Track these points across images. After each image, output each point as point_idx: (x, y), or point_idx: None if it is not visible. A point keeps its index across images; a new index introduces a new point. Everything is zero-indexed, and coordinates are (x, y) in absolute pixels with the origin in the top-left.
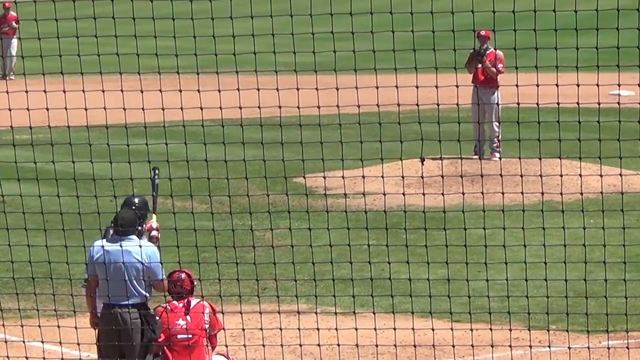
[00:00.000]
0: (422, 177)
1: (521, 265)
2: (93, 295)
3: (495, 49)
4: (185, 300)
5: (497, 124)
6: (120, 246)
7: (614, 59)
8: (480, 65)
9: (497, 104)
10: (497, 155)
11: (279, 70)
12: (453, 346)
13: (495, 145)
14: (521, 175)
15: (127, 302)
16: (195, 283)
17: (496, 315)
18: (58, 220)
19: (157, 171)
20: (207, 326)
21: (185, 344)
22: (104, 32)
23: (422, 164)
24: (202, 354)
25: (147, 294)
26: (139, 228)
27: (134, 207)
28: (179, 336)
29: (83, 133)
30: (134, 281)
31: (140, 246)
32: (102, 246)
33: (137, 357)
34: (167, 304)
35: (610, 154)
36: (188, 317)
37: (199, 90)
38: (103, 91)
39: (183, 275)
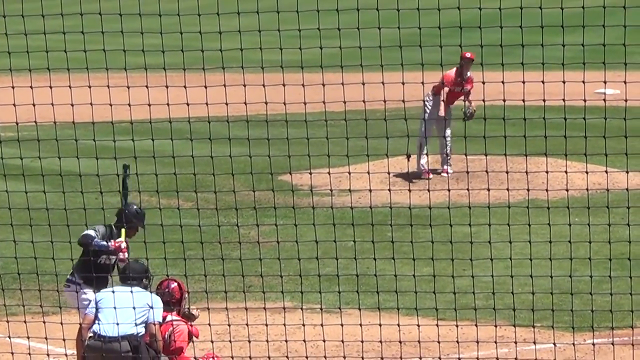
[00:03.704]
0: (407, 174)
1: (506, 262)
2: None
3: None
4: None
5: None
6: (131, 292)
7: (600, 57)
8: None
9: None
10: (450, 169)
11: (265, 67)
12: (438, 343)
13: (449, 158)
14: (507, 172)
15: (118, 335)
16: (184, 294)
17: (481, 313)
18: (44, 217)
19: (127, 170)
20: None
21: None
22: (90, 28)
23: (408, 160)
24: None
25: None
26: (145, 281)
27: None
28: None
29: (69, 130)
30: (133, 322)
31: (150, 293)
32: (111, 291)
33: None
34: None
35: (596, 151)
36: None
37: (185, 87)
38: (90, 87)
39: (173, 285)
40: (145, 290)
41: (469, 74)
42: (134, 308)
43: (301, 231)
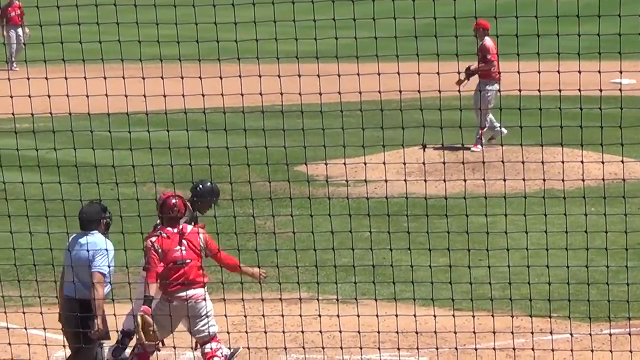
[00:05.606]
0: (423, 164)
1: (523, 252)
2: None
3: (497, 35)
4: (181, 227)
5: (487, 115)
6: (76, 240)
7: (616, 47)
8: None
9: (490, 96)
10: (479, 146)
11: (281, 58)
12: (455, 333)
13: (477, 136)
14: (523, 162)
15: (74, 297)
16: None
17: (498, 303)
18: (59, 208)
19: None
20: (202, 250)
21: (181, 270)
22: (105, 19)
23: (424, 150)
24: (198, 278)
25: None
26: (104, 221)
27: (198, 192)
28: (177, 262)
29: (84, 121)
30: (81, 276)
31: (87, 239)
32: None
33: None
34: (160, 231)
35: (612, 141)
36: (184, 242)
37: (200, 78)
38: (105, 78)
39: (176, 200)
40: (101, 234)
41: (480, 42)
42: (88, 263)
43: (317, 222)
